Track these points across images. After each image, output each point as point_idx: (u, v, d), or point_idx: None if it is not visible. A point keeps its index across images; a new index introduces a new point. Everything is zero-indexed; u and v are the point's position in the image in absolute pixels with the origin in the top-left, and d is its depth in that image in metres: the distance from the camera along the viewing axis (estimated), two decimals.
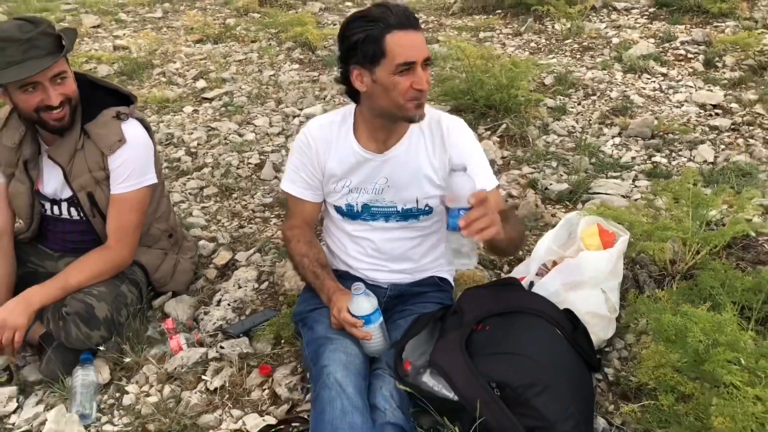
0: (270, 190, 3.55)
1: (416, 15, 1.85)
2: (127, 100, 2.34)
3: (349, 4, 7.54)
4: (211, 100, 4.89)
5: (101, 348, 2.24)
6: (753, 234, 2.69)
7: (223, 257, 2.90)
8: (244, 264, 2.86)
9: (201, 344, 2.35)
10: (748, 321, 2.05)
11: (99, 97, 2.28)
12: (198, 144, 4.14)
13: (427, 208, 2.12)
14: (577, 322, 2.02)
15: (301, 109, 4.56)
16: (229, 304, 2.57)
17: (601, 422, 1.92)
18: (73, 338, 2.15)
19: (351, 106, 2.09)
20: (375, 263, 2.19)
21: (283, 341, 2.33)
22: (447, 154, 2.05)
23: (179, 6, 7.91)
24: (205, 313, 2.52)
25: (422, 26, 6.22)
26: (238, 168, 3.81)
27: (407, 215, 2.13)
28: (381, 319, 1.92)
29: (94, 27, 7.00)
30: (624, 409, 1.89)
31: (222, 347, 2.29)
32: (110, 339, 2.26)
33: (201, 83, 5.19)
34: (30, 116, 2.13)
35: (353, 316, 1.88)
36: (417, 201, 2.10)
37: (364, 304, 1.88)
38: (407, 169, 2.06)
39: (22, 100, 2.09)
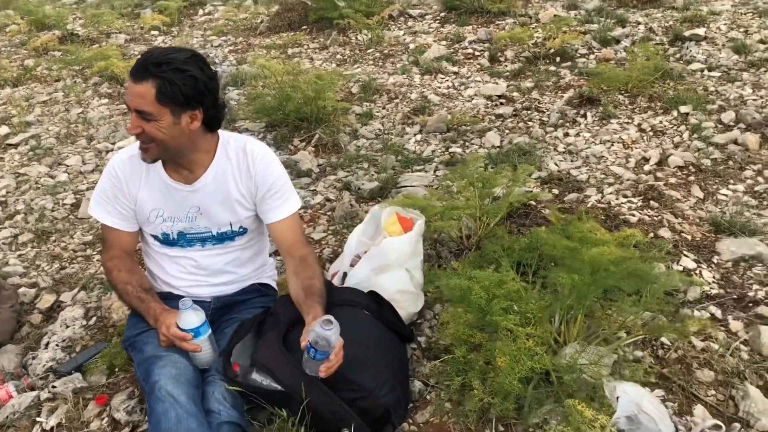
0: (89, 228, 3.52)
1: (159, 66, 1.89)
2: None
3: (155, 32, 7.46)
4: (16, 145, 4.68)
5: None
6: (533, 202, 3.11)
7: (46, 300, 2.86)
8: (70, 304, 2.84)
9: (32, 388, 2.34)
10: (527, 275, 2.40)
11: None
12: (7, 192, 3.98)
13: (241, 230, 2.25)
14: (382, 300, 2.26)
15: (114, 143, 4.51)
16: (57, 345, 2.56)
17: (417, 384, 2.18)
18: None
19: None
20: (196, 279, 2.29)
21: (117, 369, 2.37)
22: (253, 180, 2.17)
23: None
24: (33, 358, 2.49)
25: (230, 49, 6.44)
26: (53, 211, 3.72)
27: (223, 238, 2.24)
28: (210, 330, 2.04)
29: None
30: (428, 366, 2.16)
31: (54, 386, 2.29)
32: None
33: (3, 129, 4.95)
34: None
35: (182, 330, 1.99)
36: (231, 224, 2.22)
37: (192, 317, 1.99)
38: (217, 197, 2.17)
39: None
